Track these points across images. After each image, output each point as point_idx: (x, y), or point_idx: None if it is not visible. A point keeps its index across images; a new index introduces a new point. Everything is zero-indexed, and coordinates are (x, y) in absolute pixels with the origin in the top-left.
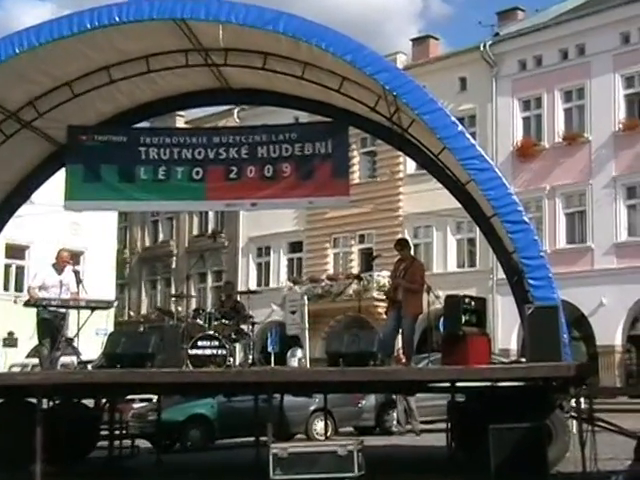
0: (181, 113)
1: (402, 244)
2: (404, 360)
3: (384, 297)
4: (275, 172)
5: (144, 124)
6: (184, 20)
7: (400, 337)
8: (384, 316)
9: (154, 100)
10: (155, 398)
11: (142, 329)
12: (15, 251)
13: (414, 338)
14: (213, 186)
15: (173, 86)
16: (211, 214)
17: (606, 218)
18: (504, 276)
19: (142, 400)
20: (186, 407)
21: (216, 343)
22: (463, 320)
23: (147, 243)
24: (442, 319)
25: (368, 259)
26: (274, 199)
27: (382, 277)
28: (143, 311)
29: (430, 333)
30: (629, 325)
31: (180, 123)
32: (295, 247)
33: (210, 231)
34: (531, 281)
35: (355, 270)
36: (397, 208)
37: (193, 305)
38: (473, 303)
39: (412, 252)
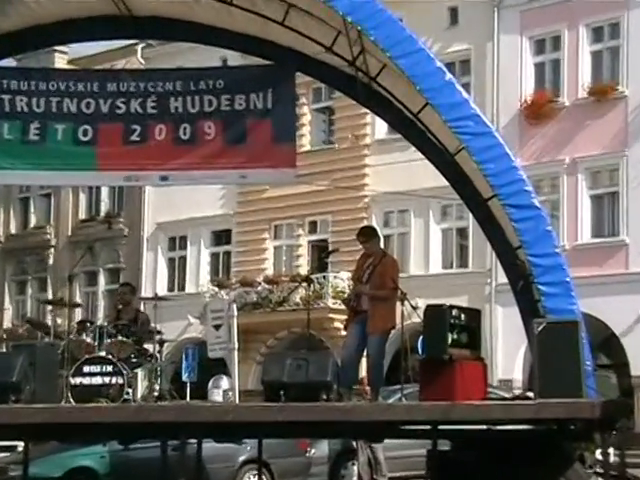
0: (62, 49)
1: (368, 234)
2: (369, 393)
3: (343, 307)
4: (194, 134)
5: (8, 62)
6: None
7: (364, 362)
8: (343, 333)
9: (23, 29)
10: (21, 446)
11: (4, 349)
12: None
13: (383, 363)
14: (107, 152)
15: (50, 10)
16: (104, 191)
17: None
18: (506, 280)
19: (2, 449)
20: (65, 458)
21: (109, 369)
22: (450, 339)
23: (13, 229)
24: (421, 338)
25: (321, 255)
26: (192, 171)
27: (340, 279)
28: (6, 324)
29: (405, 357)
30: None
31: (61, 63)
32: (221, 238)
33: (103, 214)
34: (542, 287)
35: (304, 270)
36: (362, 186)
37: (78, 316)
38: (463, 316)
39: (381, 245)
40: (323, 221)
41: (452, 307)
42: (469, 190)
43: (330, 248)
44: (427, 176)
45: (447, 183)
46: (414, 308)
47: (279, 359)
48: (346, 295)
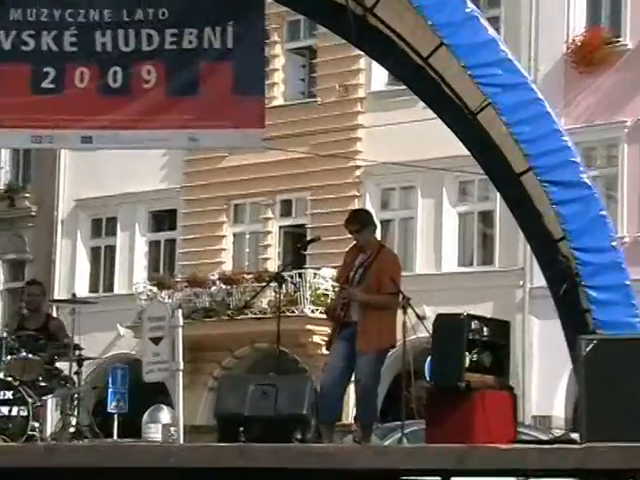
0: None
1: (359, 220)
2: (358, 432)
3: (324, 316)
4: (127, 81)
5: None
6: None
7: (353, 389)
8: (324, 352)
9: None
10: None
11: None
12: None
13: (377, 392)
14: (8, 103)
15: None
16: (4, 155)
17: None
18: (543, 282)
19: None
20: None
21: (9, 395)
22: (468, 361)
23: None
24: (429, 359)
25: (297, 246)
26: (124, 130)
27: (322, 279)
28: None
29: (407, 384)
30: None
31: None
32: (163, 221)
33: (2, 187)
34: (592, 292)
35: (273, 266)
36: (352, 154)
37: None
38: (487, 330)
39: (378, 235)
40: (300, 200)
41: (471, 317)
42: (496, 161)
43: (309, 237)
44: (439, 142)
45: (466, 151)
46: (420, 319)
47: (239, 385)
48: (329, 301)
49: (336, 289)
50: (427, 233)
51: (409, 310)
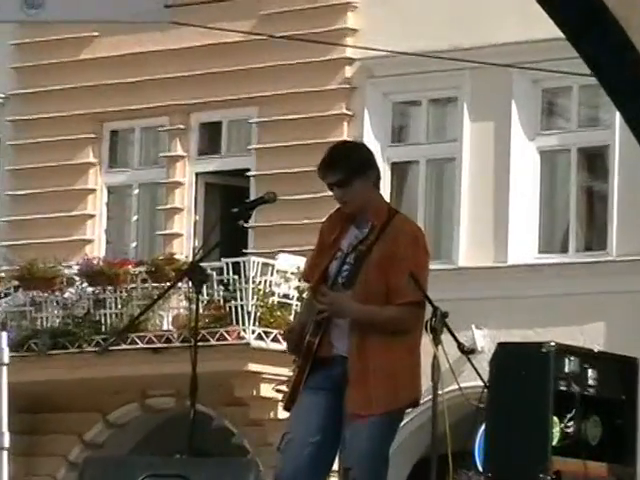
0: None
1: (350, 163)
2: None
3: (282, 346)
4: None
5: None
6: None
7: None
8: (282, 414)
9: None
10: None
11: None
12: None
13: None
14: None
15: None
16: None
17: None
18: None
19: None
20: None
21: None
22: (558, 434)
23: None
24: (482, 429)
25: (232, 212)
26: None
27: (279, 276)
28: None
29: (445, 475)
30: None
31: None
32: None
33: None
34: None
35: (183, 249)
36: (338, 36)
37: None
38: (593, 376)
39: (385, 195)
40: (236, 124)
41: (564, 351)
42: (610, 45)
43: (254, 195)
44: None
45: (557, 32)
46: (466, 352)
47: (116, 475)
48: (292, 317)
49: (304, 294)
50: (478, 190)
51: (444, 336)
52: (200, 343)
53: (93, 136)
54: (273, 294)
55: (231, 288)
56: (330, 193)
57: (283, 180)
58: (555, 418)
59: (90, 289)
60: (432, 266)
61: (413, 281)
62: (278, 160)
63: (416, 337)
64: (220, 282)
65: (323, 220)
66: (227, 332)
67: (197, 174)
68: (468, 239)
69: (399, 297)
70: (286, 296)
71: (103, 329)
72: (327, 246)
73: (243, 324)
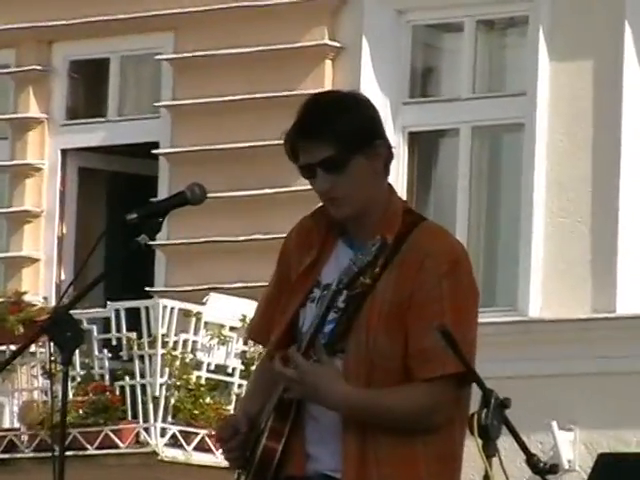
0: None
1: (341, 125)
2: None
3: (217, 458)
4: None
5: None
6: None
7: None
8: None
9: None
10: None
11: None
12: None
13: None
14: None
15: None
16: None
17: None
18: None
19: None
20: None
21: None
22: None
23: None
24: None
25: (128, 218)
26: None
27: (209, 333)
28: None
29: None
30: None
31: None
32: None
33: None
34: None
35: (37, 285)
36: None
37: None
38: None
39: (401, 192)
40: (136, 60)
41: None
42: None
43: (169, 189)
44: None
45: None
46: (542, 472)
47: None
48: (231, 408)
49: (254, 366)
50: (562, 182)
51: (503, 440)
52: (69, 452)
53: None
54: (198, 366)
55: (125, 355)
56: (305, 184)
57: (216, 162)
58: None
59: None
60: (482, 316)
61: (446, 340)
62: (207, 128)
63: (454, 437)
64: (106, 344)
65: (288, 231)
66: (117, 432)
67: (64, 151)
68: (546, 271)
69: (425, 368)
70: (221, 369)
71: None
72: (296, 278)
73: (146, 419)
